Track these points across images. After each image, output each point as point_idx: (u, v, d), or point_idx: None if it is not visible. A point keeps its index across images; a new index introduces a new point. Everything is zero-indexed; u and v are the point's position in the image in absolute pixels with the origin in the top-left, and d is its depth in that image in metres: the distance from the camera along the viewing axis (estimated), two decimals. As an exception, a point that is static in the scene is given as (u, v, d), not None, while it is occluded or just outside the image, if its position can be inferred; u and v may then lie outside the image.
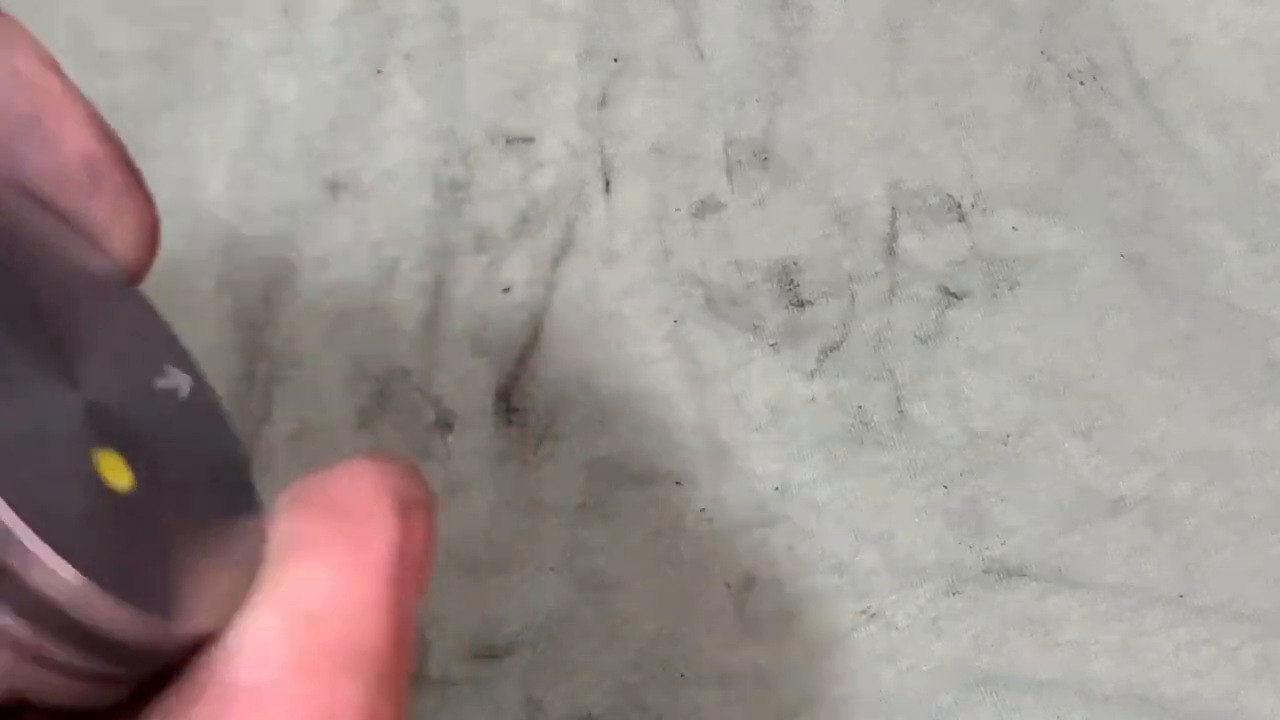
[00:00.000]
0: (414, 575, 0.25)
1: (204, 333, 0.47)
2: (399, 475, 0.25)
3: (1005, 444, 0.47)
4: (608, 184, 0.51)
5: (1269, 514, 0.46)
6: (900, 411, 0.48)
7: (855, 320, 0.49)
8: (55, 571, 0.19)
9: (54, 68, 0.26)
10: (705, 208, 0.50)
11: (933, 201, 0.50)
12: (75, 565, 0.19)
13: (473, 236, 0.50)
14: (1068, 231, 0.50)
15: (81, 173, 0.25)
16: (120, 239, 0.26)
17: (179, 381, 0.24)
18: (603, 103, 0.51)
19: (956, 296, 0.49)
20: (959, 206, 0.50)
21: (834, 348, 0.49)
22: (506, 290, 0.49)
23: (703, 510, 0.47)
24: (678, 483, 0.47)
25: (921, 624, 0.45)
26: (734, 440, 0.47)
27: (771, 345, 0.49)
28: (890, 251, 0.50)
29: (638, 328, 0.49)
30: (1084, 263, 0.49)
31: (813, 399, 0.48)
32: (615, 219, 0.50)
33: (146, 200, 0.26)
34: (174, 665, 0.22)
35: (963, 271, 0.49)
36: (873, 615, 0.45)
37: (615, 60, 0.52)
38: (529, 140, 0.51)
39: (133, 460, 0.22)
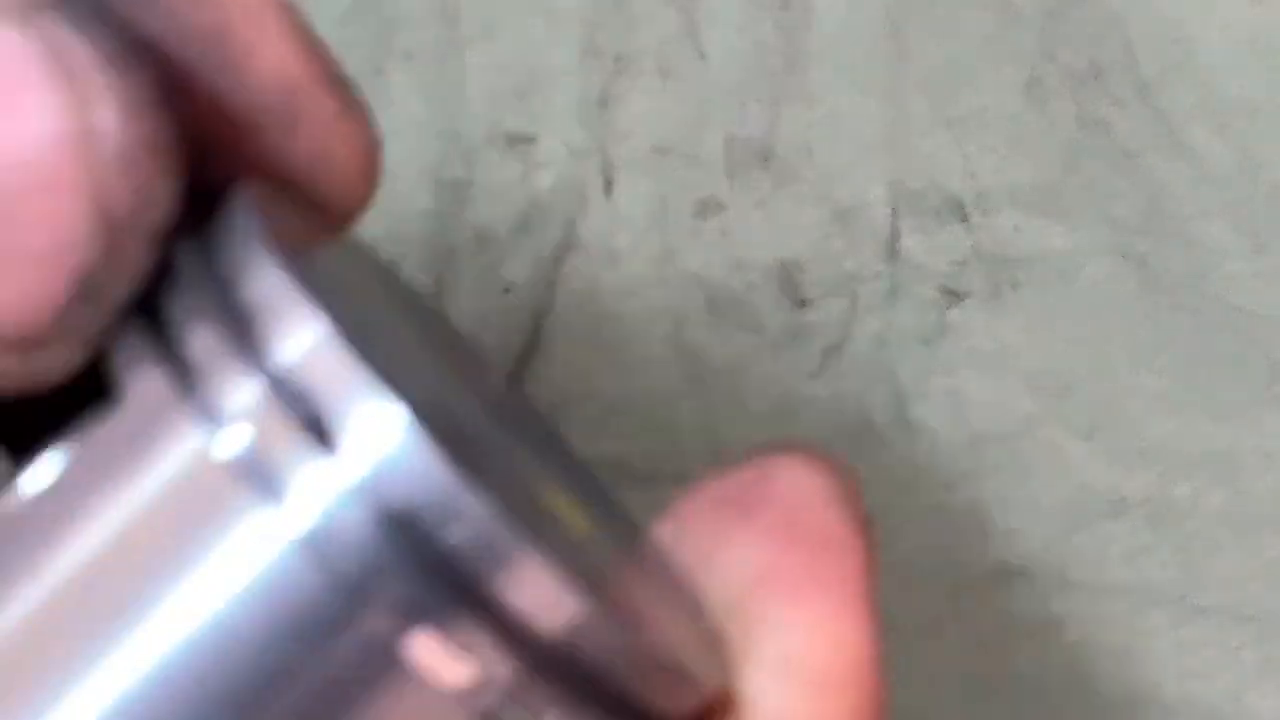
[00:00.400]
0: (875, 601, 0.22)
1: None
2: (846, 483, 0.22)
3: (1007, 445, 0.47)
4: (608, 184, 0.50)
5: (1272, 515, 0.46)
6: (902, 412, 0.48)
7: (856, 320, 0.49)
8: (572, 604, 0.15)
9: None
10: (706, 208, 0.50)
11: (934, 202, 0.50)
12: (592, 596, 0.15)
13: (473, 236, 0.50)
14: (1069, 232, 0.50)
15: (281, 103, 0.20)
16: (327, 180, 0.21)
17: (495, 375, 0.20)
18: (603, 103, 0.51)
19: (958, 297, 0.49)
20: (961, 206, 0.50)
21: (835, 348, 0.49)
22: (506, 290, 0.49)
23: (704, 511, 0.47)
24: (679, 483, 0.47)
25: (923, 628, 0.45)
26: (735, 441, 0.47)
27: (773, 346, 0.48)
28: (891, 252, 0.50)
29: (638, 328, 0.49)
30: (1086, 263, 0.49)
31: (814, 399, 0.48)
32: (616, 219, 0.50)
33: (361, 126, 0.21)
34: None
35: (964, 272, 0.49)
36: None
37: (616, 60, 0.52)
38: (529, 140, 0.51)
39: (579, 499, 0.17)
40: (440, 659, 0.15)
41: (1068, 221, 0.50)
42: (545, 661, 0.15)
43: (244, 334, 0.15)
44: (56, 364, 0.16)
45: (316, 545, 0.14)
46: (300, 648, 0.14)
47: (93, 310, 0.16)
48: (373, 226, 0.49)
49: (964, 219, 0.50)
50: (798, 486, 0.23)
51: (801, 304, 0.49)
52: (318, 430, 0.15)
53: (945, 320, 0.49)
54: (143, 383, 0.16)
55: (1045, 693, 0.44)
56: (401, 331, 0.18)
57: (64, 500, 0.15)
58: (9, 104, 0.15)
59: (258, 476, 0.14)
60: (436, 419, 0.15)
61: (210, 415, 0.15)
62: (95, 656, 0.14)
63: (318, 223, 0.21)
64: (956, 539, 0.46)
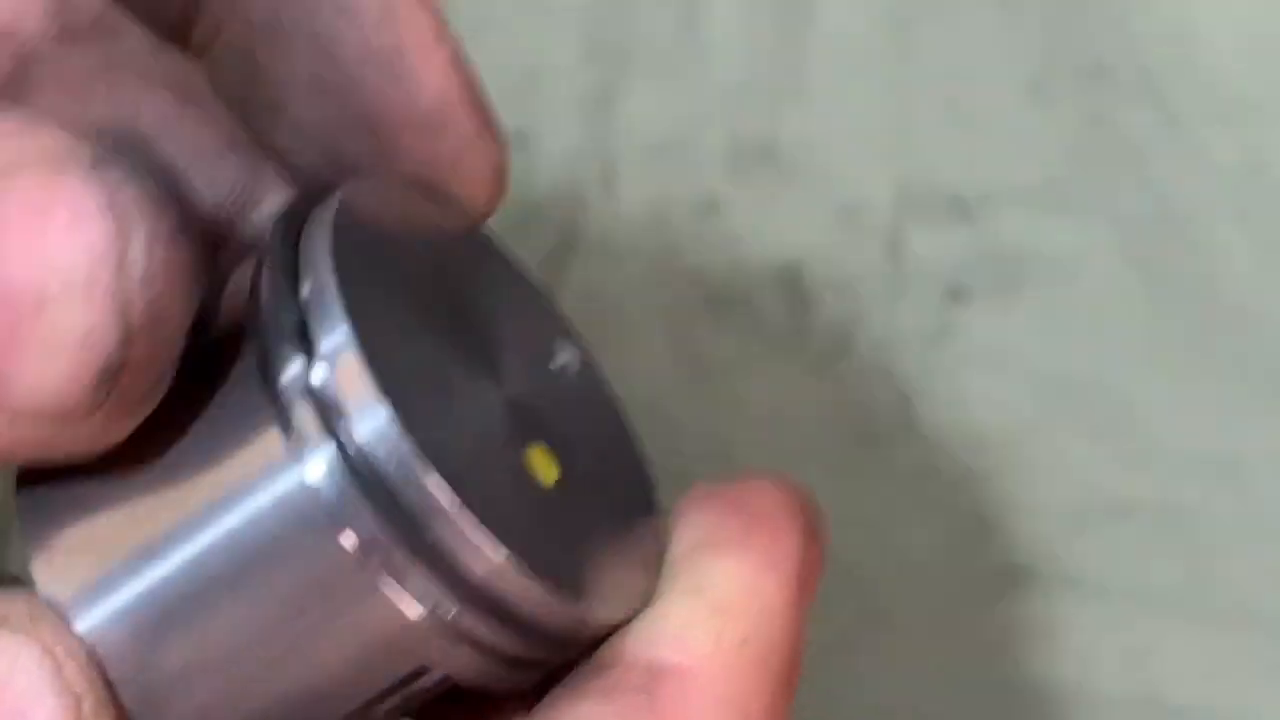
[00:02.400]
0: (810, 596, 0.26)
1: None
2: (806, 501, 0.26)
3: (1011, 445, 0.47)
4: (608, 184, 0.51)
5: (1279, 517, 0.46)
6: (905, 412, 0.48)
7: (859, 320, 0.49)
8: (491, 556, 0.21)
9: (428, 3, 0.25)
10: (707, 207, 0.50)
11: (938, 201, 0.50)
12: (510, 550, 0.21)
13: (472, 236, 0.50)
14: (1075, 231, 0.50)
15: (434, 115, 0.25)
16: (459, 184, 0.26)
17: (570, 356, 0.26)
18: (604, 101, 0.51)
19: (962, 296, 0.49)
20: (965, 206, 0.50)
21: (838, 347, 0.49)
22: (506, 290, 0.49)
23: (704, 512, 0.47)
24: (679, 483, 0.47)
25: (926, 627, 0.45)
26: (737, 441, 0.47)
27: (774, 346, 0.48)
28: (895, 251, 0.50)
29: (639, 327, 0.49)
30: (1091, 263, 0.49)
31: (817, 399, 0.48)
32: (616, 218, 0.50)
33: (493, 143, 0.26)
34: (580, 654, 0.24)
35: (968, 271, 0.49)
36: (875, 616, 0.45)
37: (616, 59, 0.52)
38: (529, 139, 0.51)
39: (557, 453, 0.23)
40: (392, 587, 0.21)
41: (1072, 221, 0.50)
42: (474, 597, 0.21)
43: (302, 325, 0.21)
44: (96, 433, 0.21)
45: (320, 494, 0.20)
46: (300, 560, 0.21)
47: (116, 393, 0.21)
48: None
49: (968, 218, 0.50)
50: (759, 488, 0.27)
51: (803, 304, 0.49)
52: (333, 416, 0.21)
53: (949, 320, 0.49)
54: (233, 360, 0.22)
55: (1051, 694, 0.44)
56: (437, 320, 0.23)
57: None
58: (71, 225, 0.20)
59: (294, 443, 0.21)
60: (419, 413, 0.21)
61: (272, 391, 0.21)
62: (175, 537, 0.21)
63: (450, 212, 0.26)
64: (961, 540, 0.46)
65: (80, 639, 0.21)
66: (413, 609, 0.21)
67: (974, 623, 0.45)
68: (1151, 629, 0.45)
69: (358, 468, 0.20)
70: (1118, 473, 0.47)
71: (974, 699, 0.44)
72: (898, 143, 0.51)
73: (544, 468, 0.23)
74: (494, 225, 0.50)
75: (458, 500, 0.20)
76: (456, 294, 0.24)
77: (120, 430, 0.21)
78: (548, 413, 0.24)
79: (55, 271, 0.20)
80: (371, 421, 0.20)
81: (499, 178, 0.26)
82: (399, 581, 0.21)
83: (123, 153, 0.21)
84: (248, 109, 0.25)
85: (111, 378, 0.20)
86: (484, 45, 0.52)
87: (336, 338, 0.20)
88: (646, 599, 0.25)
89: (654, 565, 0.25)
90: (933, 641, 0.45)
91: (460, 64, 0.26)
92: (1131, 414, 0.47)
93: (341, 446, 0.21)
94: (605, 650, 0.24)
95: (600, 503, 0.25)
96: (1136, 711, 0.44)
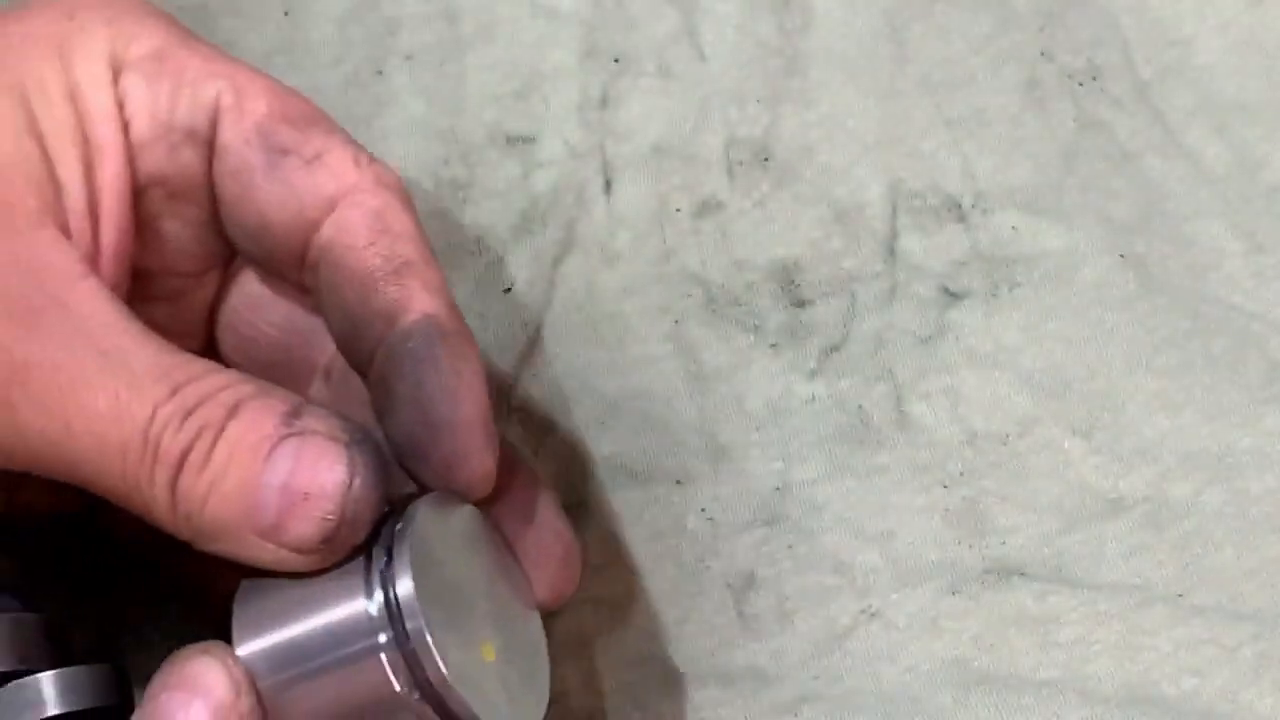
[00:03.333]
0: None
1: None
2: None
3: (1005, 443, 0.47)
4: (608, 184, 0.51)
5: (1269, 514, 0.46)
6: (900, 411, 0.48)
7: (855, 320, 0.49)
8: (463, 699, 0.36)
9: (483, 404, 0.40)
10: (706, 207, 0.50)
11: (933, 201, 0.50)
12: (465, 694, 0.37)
13: (473, 236, 0.50)
14: (1068, 231, 0.50)
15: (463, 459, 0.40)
16: (465, 489, 0.40)
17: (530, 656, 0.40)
18: (603, 103, 0.52)
19: (957, 296, 0.49)
20: (959, 207, 0.50)
21: (834, 347, 0.49)
22: (507, 290, 0.49)
23: (703, 510, 0.47)
24: (678, 482, 0.47)
25: (921, 623, 0.45)
26: (734, 440, 0.47)
27: (772, 345, 0.49)
28: (890, 251, 0.50)
29: (638, 327, 0.49)
30: (1084, 263, 0.49)
31: (813, 398, 0.48)
32: (615, 219, 0.50)
33: (490, 459, 0.40)
34: None
35: (963, 271, 0.49)
36: (873, 615, 0.45)
37: (616, 60, 0.52)
38: (529, 140, 0.51)
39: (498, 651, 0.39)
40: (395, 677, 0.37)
41: (1066, 221, 0.50)
42: (433, 696, 0.36)
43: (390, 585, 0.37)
44: (307, 564, 0.37)
45: (381, 649, 0.37)
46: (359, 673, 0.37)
47: (327, 548, 0.37)
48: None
49: (962, 219, 0.50)
50: None
51: (800, 303, 0.49)
52: (400, 627, 0.36)
53: (944, 319, 0.49)
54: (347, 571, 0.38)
55: (1042, 690, 0.44)
56: (469, 574, 0.39)
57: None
58: (329, 468, 0.37)
59: (380, 632, 0.37)
60: (442, 636, 0.37)
61: (372, 603, 0.37)
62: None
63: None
64: (954, 537, 0.46)
65: (244, 668, 0.37)
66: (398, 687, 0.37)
67: (966, 618, 0.45)
68: (1142, 624, 0.45)
69: (400, 641, 0.36)
70: (1109, 470, 0.47)
71: (968, 694, 0.44)
72: (893, 145, 0.51)
73: (488, 653, 0.38)
74: (497, 225, 0.50)
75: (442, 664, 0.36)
76: (475, 565, 0.39)
77: (317, 565, 0.37)
78: (503, 642, 0.39)
79: (317, 484, 0.36)
80: (411, 622, 0.36)
81: (490, 481, 0.40)
82: (404, 684, 0.37)
83: (356, 427, 0.37)
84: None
85: (330, 541, 0.37)
86: (484, 47, 0.52)
87: (405, 587, 0.37)
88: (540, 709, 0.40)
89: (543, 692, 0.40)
90: (925, 636, 0.45)
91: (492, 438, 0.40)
92: (1123, 412, 0.48)
93: (395, 627, 0.37)
94: None
95: (513, 667, 0.39)
96: (1128, 706, 0.44)
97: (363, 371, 0.40)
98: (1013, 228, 0.50)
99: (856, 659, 0.45)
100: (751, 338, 0.49)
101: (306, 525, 0.36)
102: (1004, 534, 0.46)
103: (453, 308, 0.40)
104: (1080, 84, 0.52)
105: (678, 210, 0.50)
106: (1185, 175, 0.51)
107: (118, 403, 0.36)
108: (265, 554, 0.37)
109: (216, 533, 0.37)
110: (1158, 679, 0.44)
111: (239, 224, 0.41)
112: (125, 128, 0.39)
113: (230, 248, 0.42)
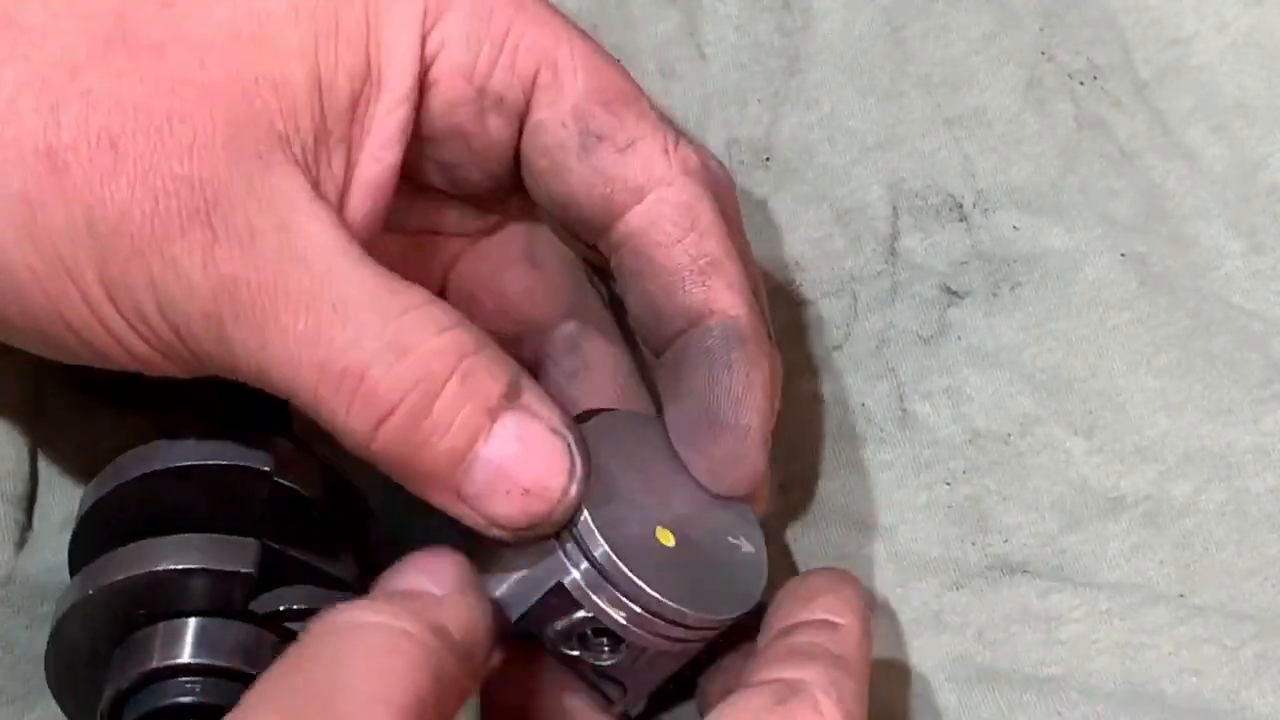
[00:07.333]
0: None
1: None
2: (856, 587, 0.41)
3: (1006, 442, 0.47)
4: (609, 183, 0.51)
5: (1269, 513, 0.46)
6: (902, 410, 0.48)
7: (857, 319, 0.49)
8: (650, 594, 0.39)
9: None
10: (707, 207, 0.50)
11: (934, 201, 0.51)
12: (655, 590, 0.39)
13: (474, 235, 0.50)
14: (1068, 231, 0.50)
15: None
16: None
17: (746, 545, 0.41)
18: (604, 102, 0.51)
19: (958, 296, 0.49)
20: (960, 206, 0.50)
21: (836, 347, 0.49)
22: (508, 289, 0.49)
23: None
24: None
25: (923, 621, 0.45)
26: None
27: (774, 344, 0.49)
28: (892, 251, 0.50)
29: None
30: (1084, 262, 0.49)
31: (815, 397, 0.48)
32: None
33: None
34: (703, 640, 0.41)
35: (964, 271, 0.50)
36: (875, 611, 0.45)
37: (617, 60, 0.52)
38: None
39: (677, 534, 0.40)
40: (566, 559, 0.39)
41: (1066, 221, 0.50)
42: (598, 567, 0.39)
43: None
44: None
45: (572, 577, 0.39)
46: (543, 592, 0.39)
47: (529, 530, 0.38)
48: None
49: (963, 219, 0.50)
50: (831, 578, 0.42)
51: (802, 303, 0.49)
52: (595, 563, 0.39)
53: (945, 319, 0.49)
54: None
55: (1044, 686, 0.44)
56: (642, 476, 0.41)
57: None
58: (557, 460, 0.38)
59: (574, 565, 0.39)
60: (625, 550, 0.39)
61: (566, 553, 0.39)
62: None
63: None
64: (957, 534, 0.46)
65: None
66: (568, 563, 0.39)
67: (967, 616, 0.45)
68: (1143, 623, 0.45)
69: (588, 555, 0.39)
70: (1110, 469, 0.47)
71: (970, 691, 0.44)
72: (894, 145, 0.51)
73: (665, 538, 0.40)
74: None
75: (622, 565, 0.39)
76: (649, 469, 0.41)
77: (509, 541, 0.39)
78: (689, 528, 0.40)
79: (539, 484, 0.38)
80: (599, 549, 0.39)
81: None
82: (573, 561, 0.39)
83: (569, 419, 0.39)
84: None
85: (529, 530, 0.38)
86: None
87: (600, 548, 0.39)
88: (747, 603, 0.40)
89: (754, 588, 0.41)
90: (926, 634, 0.45)
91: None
92: (1124, 411, 0.48)
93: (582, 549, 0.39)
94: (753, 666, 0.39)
95: (706, 558, 0.40)
96: (1128, 703, 0.44)
97: (656, 351, 0.42)
98: (1014, 227, 0.50)
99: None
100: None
101: (513, 511, 0.38)
102: (1006, 532, 0.46)
103: (754, 308, 0.41)
104: (1080, 84, 0.52)
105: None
106: (1185, 175, 0.51)
107: (319, 325, 0.36)
108: (455, 509, 0.38)
109: (412, 478, 0.38)
110: (1158, 677, 0.44)
111: (544, 191, 0.42)
112: (425, 74, 0.40)
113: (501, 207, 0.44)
